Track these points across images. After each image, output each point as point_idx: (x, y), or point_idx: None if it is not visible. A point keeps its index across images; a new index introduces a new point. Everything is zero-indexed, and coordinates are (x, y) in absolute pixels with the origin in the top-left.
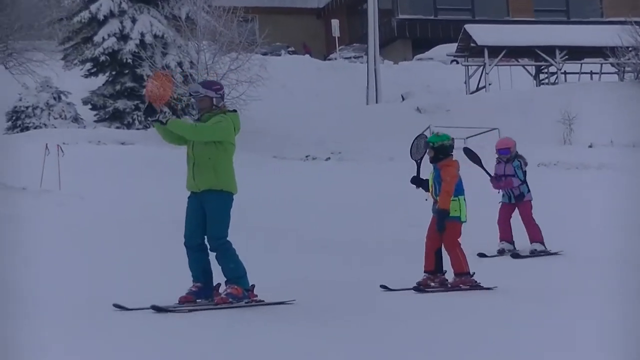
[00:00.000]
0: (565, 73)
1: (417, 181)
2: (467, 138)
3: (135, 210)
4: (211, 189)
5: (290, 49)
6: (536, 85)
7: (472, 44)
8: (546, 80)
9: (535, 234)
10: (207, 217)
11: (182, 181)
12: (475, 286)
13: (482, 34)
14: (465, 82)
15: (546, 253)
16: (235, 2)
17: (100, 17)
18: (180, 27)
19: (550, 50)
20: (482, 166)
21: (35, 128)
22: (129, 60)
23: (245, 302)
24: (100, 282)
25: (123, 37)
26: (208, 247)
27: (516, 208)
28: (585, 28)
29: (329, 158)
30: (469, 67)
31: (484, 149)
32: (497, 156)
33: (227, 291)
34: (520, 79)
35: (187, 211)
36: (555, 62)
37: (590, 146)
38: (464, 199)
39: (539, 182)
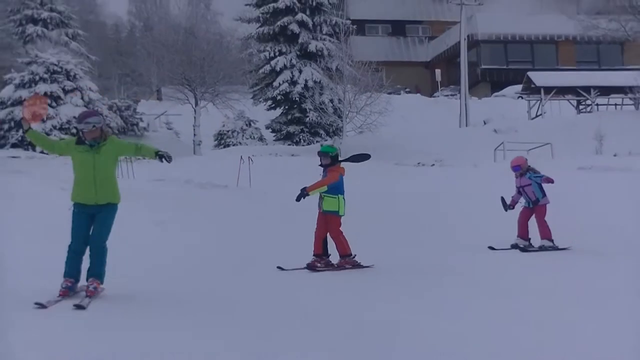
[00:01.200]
0: (597, 105)
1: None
2: (529, 150)
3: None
4: (110, 202)
5: (406, 90)
6: (577, 114)
7: (532, 85)
8: (584, 110)
9: (545, 232)
10: (99, 224)
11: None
12: (357, 265)
13: (539, 78)
14: (528, 112)
15: (554, 248)
16: (369, 58)
17: (277, 69)
18: (332, 75)
19: (587, 89)
20: (504, 204)
21: (233, 145)
22: (297, 99)
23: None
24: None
25: (293, 83)
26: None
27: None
28: (611, 73)
29: (434, 164)
30: (530, 101)
31: (540, 158)
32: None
33: (94, 285)
34: (565, 109)
35: (77, 221)
36: (590, 98)
37: (615, 155)
38: (343, 198)
39: (579, 181)
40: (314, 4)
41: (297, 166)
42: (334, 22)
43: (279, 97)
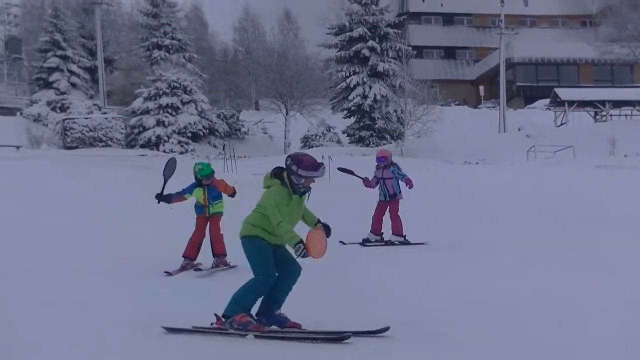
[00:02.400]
0: (611, 115)
1: (162, 198)
2: (555, 152)
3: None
4: None
5: (456, 102)
6: (594, 122)
7: (558, 99)
8: (600, 119)
9: (396, 227)
10: (290, 259)
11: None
12: (227, 265)
13: (564, 93)
14: (554, 120)
15: (404, 243)
16: (425, 76)
17: (352, 85)
18: (396, 91)
19: (602, 102)
20: (354, 174)
21: (316, 147)
22: (367, 109)
23: None
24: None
25: (364, 97)
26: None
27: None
28: (623, 90)
29: (478, 162)
30: (556, 112)
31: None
32: (376, 163)
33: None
34: (585, 119)
35: (270, 256)
36: (605, 109)
37: (625, 156)
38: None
39: (595, 178)
40: (382, 33)
41: (367, 163)
42: (397, 47)
43: (353, 108)
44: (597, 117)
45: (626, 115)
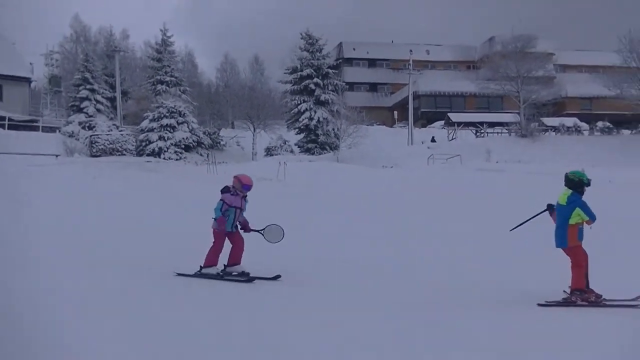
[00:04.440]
0: (487, 132)
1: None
2: (447, 159)
3: (320, 189)
4: None
5: (377, 123)
6: (475, 137)
7: (450, 121)
8: (480, 135)
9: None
10: None
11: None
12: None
13: (454, 116)
14: (447, 136)
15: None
16: (356, 104)
17: (302, 110)
18: (334, 114)
19: (481, 123)
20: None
21: (275, 155)
22: (313, 128)
23: None
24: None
25: (311, 119)
26: None
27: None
28: (496, 114)
29: (392, 167)
30: (448, 130)
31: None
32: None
33: None
34: (469, 135)
35: None
36: (483, 128)
37: (497, 162)
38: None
39: (477, 177)
40: (324, 72)
41: (313, 168)
42: (335, 83)
43: (302, 127)
44: (478, 134)
45: (497, 132)
